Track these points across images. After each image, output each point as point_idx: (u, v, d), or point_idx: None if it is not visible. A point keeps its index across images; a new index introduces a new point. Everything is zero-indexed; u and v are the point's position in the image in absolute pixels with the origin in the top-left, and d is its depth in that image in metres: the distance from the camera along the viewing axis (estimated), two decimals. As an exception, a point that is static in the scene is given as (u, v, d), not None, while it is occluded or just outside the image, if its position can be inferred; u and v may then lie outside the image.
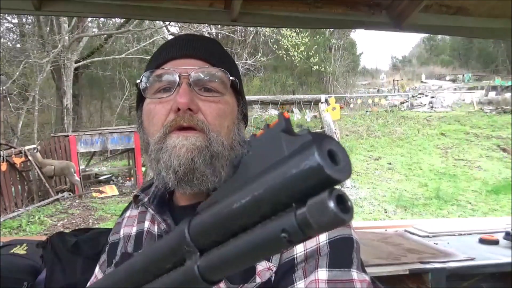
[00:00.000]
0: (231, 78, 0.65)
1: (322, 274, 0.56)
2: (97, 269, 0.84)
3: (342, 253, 0.59)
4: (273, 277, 0.59)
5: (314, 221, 0.15)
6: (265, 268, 0.60)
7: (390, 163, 11.23)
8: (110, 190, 8.59)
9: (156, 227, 0.71)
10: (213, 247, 0.19)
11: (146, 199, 0.73)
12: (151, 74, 0.65)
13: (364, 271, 0.61)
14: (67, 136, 8.74)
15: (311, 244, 0.59)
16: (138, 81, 0.66)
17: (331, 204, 0.14)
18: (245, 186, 0.17)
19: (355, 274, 0.58)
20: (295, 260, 0.59)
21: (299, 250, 0.59)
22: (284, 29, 13.68)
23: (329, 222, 0.14)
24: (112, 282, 0.27)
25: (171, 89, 0.63)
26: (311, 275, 0.56)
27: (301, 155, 0.15)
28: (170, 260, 0.21)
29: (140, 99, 0.70)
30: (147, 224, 0.73)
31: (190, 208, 0.68)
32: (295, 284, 0.57)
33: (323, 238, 0.60)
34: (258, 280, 0.59)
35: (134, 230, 0.76)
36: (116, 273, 0.28)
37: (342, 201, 0.14)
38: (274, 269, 0.60)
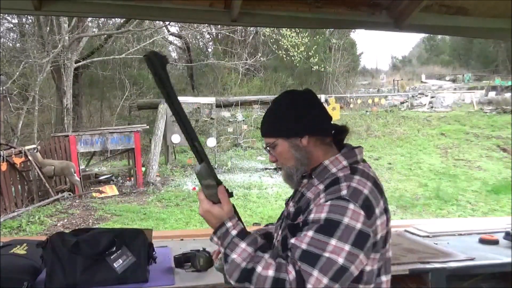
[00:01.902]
0: (274, 139, 1.15)
1: (311, 233, 0.98)
2: None
3: (330, 227, 0.97)
4: (300, 221, 1.06)
5: None
6: (301, 218, 1.07)
7: (390, 163, 11.23)
8: (110, 190, 8.59)
9: None
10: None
11: None
12: None
13: (356, 247, 0.96)
14: (67, 136, 8.72)
15: (318, 214, 1.00)
16: None
17: None
18: None
19: (333, 241, 0.96)
20: (309, 220, 1.01)
21: (312, 216, 1.01)
22: (284, 29, 13.67)
23: None
24: None
25: None
26: (307, 231, 0.99)
27: None
28: None
29: None
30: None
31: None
32: (302, 232, 1.01)
33: (324, 214, 0.99)
34: (300, 217, 1.08)
35: None
36: None
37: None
38: (303, 219, 1.05)
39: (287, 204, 1.24)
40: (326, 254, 0.94)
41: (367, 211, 0.99)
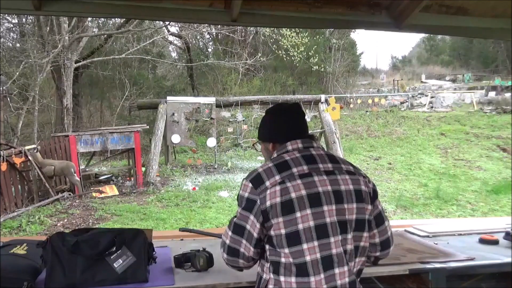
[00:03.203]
0: (258, 140, 1.58)
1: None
2: None
3: (238, 199, 1.37)
4: None
5: None
6: None
7: (390, 163, 11.23)
8: (110, 190, 8.58)
9: None
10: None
11: None
12: None
13: (245, 209, 1.33)
14: (67, 136, 8.71)
15: None
16: None
17: None
18: None
19: (238, 208, 1.35)
20: None
21: None
22: (284, 29, 13.66)
23: None
24: None
25: None
26: None
27: None
28: None
29: None
30: None
31: None
32: None
33: None
34: None
35: None
36: None
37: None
38: None
39: None
40: (234, 217, 1.37)
41: (255, 183, 1.32)
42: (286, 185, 1.28)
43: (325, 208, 1.28)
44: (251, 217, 1.30)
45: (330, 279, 1.26)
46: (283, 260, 1.26)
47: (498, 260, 1.91)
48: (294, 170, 1.32)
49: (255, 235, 1.30)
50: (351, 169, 1.40)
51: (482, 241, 2.21)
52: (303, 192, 1.28)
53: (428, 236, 2.34)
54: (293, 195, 1.27)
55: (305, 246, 1.25)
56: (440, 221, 3.94)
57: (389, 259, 1.88)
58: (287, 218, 1.26)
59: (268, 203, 1.27)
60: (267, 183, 1.29)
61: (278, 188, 1.28)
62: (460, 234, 2.40)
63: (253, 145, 1.66)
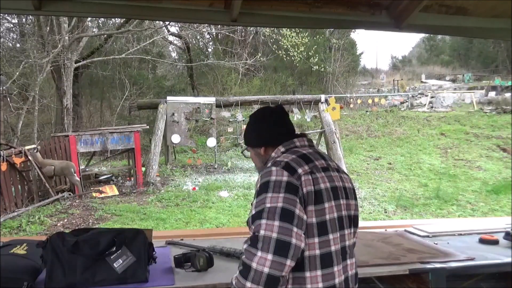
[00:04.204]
0: (246, 146, 1.57)
1: (254, 201, 1.28)
2: None
3: (263, 188, 1.26)
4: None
5: None
6: None
7: (390, 163, 11.23)
8: (110, 190, 8.58)
9: None
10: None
11: None
12: None
13: (289, 193, 1.23)
14: (67, 136, 8.71)
15: (256, 187, 1.31)
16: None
17: None
18: None
19: (269, 194, 1.23)
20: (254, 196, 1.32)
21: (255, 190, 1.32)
22: (284, 29, 13.66)
23: None
24: None
25: None
26: (253, 202, 1.29)
27: None
28: None
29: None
30: None
31: None
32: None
33: (258, 184, 1.29)
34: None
35: None
36: None
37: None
38: None
39: None
40: (267, 205, 1.21)
41: (289, 170, 1.28)
42: (316, 175, 1.31)
43: (341, 202, 1.35)
44: (297, 199, 1.23)
45: (344, 269, 1.33)
46: (306, 253, 1.25)
47: (498, 260, 1.91)
48: (317, 163, 1.35)
49: (305, 217, 1.24)
50: (343, 169, 1.48)
51: (482, 241, 2.21)
52: (328, 184, 1.32)
53: (428, 236, 2.34)
54: (322, 185, 1.31)
55: (331, 236, 1.29)
56: (440, 221, 3.94)
57: (389, 259, 1.88)
58: (318, 208, 1.27)
59: (304, 190, 1.26)
60: (300, 171, 1.28)
61: (310, 177, 1.29)
62: (460, 234, 2.40)
63: (241, 152, 1.69)
